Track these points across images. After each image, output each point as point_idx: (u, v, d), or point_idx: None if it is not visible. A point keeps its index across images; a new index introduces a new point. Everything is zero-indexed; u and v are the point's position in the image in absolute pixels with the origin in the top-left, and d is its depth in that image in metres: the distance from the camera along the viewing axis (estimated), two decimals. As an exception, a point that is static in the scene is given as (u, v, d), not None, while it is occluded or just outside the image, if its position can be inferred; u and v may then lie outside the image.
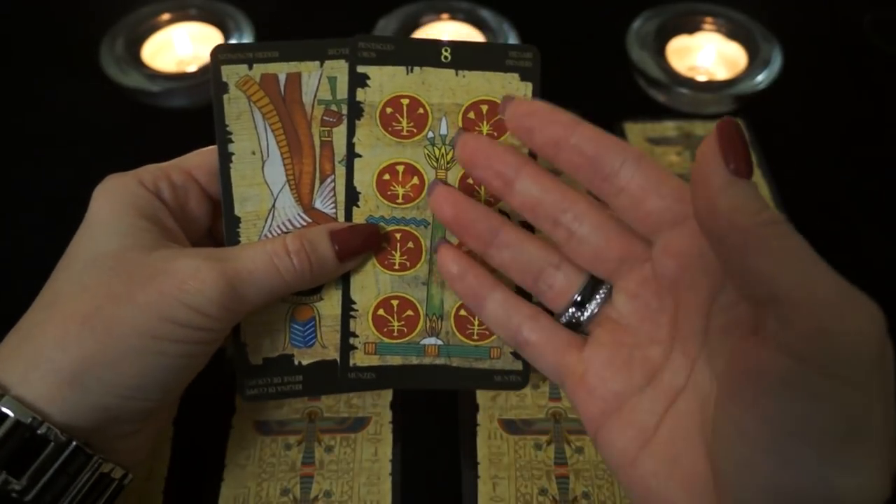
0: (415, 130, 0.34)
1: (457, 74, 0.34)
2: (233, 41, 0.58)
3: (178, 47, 0.60)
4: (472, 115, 0.35)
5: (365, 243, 0.33)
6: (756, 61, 0.57)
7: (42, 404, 0.28)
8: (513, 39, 0.58)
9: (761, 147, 0.55)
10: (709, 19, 0.60)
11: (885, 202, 0.52)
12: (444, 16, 0.61)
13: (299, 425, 0.41)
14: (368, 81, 0.34)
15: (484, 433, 0.41)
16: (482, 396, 0.42)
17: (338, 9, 0.65)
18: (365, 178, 0.34)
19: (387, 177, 0.34)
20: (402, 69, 0.34)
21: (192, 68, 0.57)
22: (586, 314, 0.31)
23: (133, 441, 0.32)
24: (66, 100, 0.59)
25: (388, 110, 0.34)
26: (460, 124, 0.34)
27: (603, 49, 0.59)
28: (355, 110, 0.34)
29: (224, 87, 0.34)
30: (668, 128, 0.56)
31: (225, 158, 0.34)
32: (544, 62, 0.35)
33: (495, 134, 0.35)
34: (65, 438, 0.28)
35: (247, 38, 0.58)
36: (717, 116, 0.57)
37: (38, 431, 0.28)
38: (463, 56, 0.34)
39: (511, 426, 0.41)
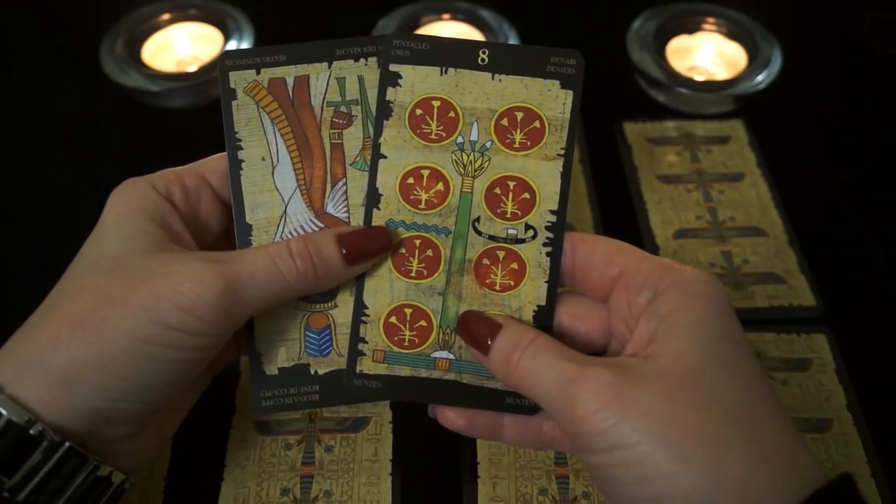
0: (444, 134, 0.33)
1: (493, 78, 0.33)
2: (233, 41, 0.58)
3: (178, 47, 0.60)
4: (505, 121, 0.33)
5: (374, 247, 0.32)
6: (756, 61, 0.57)
7: (34, 404, 0.28)
8: (513, 39, 0.58)
9: (761, 147, 0.55)
10: (709, 19, 0.60)
11: (884, 202, 0.52)
12: (445, 16, 0.61)
13: (299, 425, 0.41)
14: (400, 81, 0.33)
15: (484, 433, 0.41)
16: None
17: (338, 9, 0.65)
18: (388, 181, 0.33)
19: (411, 180, 0.33)
20: (435, 70, 0.33)
21: (192, 68, 0.58)
22: None
23: (132, 444, 0.31)
24: (67, 100, 0.59)
25: (418, 112, 0.33)
26: (492, 130, 0.33)
27: (603, 49, 0.59)
28: (384, 110, 0.33)
29: (232, 94, 0.33)
30: (668, 128, 0.56)
31: (235, 165, 0.33)
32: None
33: (528, 143, 0.33)
34: (58, 439, 0.28)
35: (247, 38, 0.58)
36: (717, 116, 0.57)
37: (31, 431, 0.28)
38: (501, 59, 0.33)
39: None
